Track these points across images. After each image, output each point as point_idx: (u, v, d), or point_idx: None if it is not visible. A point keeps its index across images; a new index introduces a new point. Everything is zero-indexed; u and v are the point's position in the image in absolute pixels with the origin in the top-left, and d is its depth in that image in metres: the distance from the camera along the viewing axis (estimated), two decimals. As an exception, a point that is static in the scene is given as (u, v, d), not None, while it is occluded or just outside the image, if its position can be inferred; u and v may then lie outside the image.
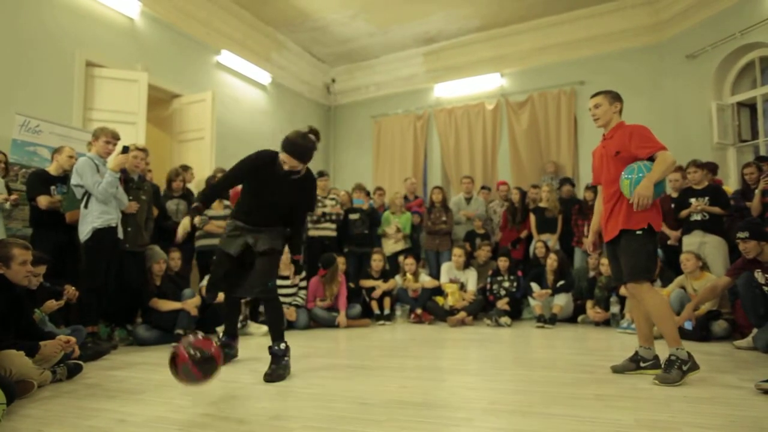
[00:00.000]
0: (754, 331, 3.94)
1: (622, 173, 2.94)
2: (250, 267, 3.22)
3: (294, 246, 3.51)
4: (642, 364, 3.05)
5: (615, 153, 3.01)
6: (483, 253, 6.57)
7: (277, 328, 3.27)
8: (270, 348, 3.16)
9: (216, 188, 3.33)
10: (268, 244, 3.19)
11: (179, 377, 2.34)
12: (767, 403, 2.34)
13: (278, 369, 3.02)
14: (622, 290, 5.21)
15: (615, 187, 2.99)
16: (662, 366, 2.85)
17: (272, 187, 3.10)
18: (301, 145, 2.95)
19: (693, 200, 5.12)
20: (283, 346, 3.17)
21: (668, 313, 2.91)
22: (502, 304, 5.85)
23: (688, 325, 4.18)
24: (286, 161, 2.95)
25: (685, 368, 2.75)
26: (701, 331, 4.34)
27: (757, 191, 4.82)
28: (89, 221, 3.96)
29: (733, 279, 4.02)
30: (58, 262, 4.13)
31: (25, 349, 2.72)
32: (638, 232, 2.89)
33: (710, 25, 6.74)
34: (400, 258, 6.41)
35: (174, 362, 2.32)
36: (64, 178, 4.43)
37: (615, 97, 3.18)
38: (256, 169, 3.10)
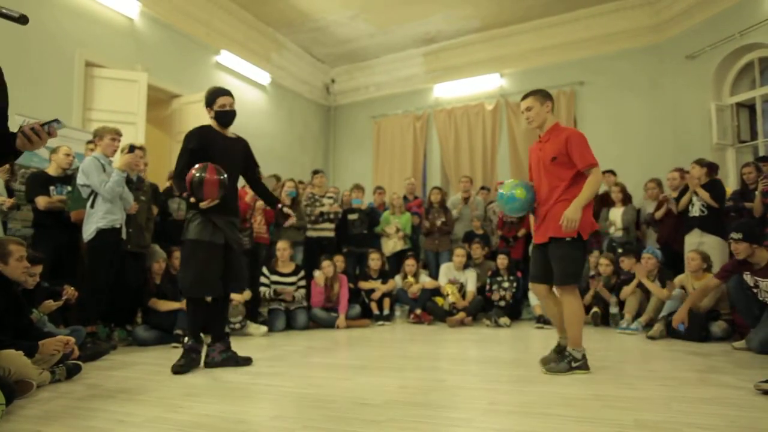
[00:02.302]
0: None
1: (500, 189, 3.25)
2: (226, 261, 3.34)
3: (269, 199, 3.77)
4: (573, 365, 3.06)
5: (551, 159, 3.07)
6: (478, 252, 6.55)
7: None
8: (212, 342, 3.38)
9: (182, 174, 3.24)
10: (240, 240, 3.43)
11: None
12: (766, 404, 2.34)
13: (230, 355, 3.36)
14: (623, 294, 5.25)
15: (549, 192, 3.09)
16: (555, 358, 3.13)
17: (222, 150, 3.35)
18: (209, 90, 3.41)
19: (694, 197, 5.12)
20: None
21: (579, 319, 3.10)
22: (502, 296, 5.83)
23: (681, 327, 4.18)
24: (224, 103, 3.36)
25: (574, 365, 3.00)
26: (700, 332, 4.35)
27: (757, 193, 4.82)
28: (94, 221, 3.96)
29: (722, 281, 4.05)
30: (57, 263, 4.14)
31: (24, 349, 2.71)
32: (567, 240, 3.00)
33: (710, 25, 6.74)
34: (407, 262, 6.37)
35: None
36: (63, 178, 4.43)
37: (545, 96, 3.18)
38: (205, 138, 3.32)
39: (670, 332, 4.56)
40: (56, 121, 2.12)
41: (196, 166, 3.15)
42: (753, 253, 3.79)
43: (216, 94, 3.36)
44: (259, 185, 3.75)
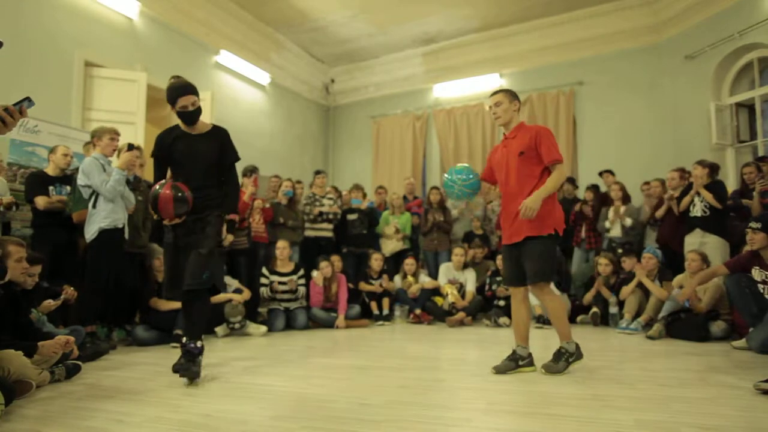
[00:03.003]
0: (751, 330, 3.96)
1: (446, 175, 3.24)
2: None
3: (227, 204, 3.23)
4: (520, 362, 3.14)
5: (519, 153, 3.10)
6: (476, 251, 6.55)
7: (201, 326, 3.13)
8: (185, 344, 2.99)
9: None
10: (213, 232, 3.11)
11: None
12: (765, 403, 2.35)
13: (193, 366, 2.90)
14: (622, 294, 5.25)
15: (518, 189, 3.09)
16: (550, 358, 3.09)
17: (185, 150, 3.15)
18: (169, 86, 3.12)
19: (696, 197, 5.12)
20: (199, 344, 3.00)
21: (564, 313, 3.18)
22: (502, 291, 5.82)
23: (687, 304, 4.40)
24: (185, 104, 3.07)
25: (570, 360, 3.04)
26: (700, 332, 4.35)
27: (755, 193, 4.83)
28: (96, 221, 3.96)
29: (731, 271, 4.06)
30: (56, 263, 4.13)
31: (24, 349, 2.71)
32: (545, 236, 3.03)
33: (709, 25, 6.74)
34: (406, 261, 6.37)
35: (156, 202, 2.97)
36: (62, 178, 4.42)
37: (514, 96, 3.23)
38: (163, 142, 3.19)
39: (670, 332, 4.57)
40: (27, 99, 2.12)
41: (161, 181, 3.11)
42: (765, 247, 3.81)
43: (175, 93, 3.06)
44: (228, 183, 3.30)
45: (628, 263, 5.39)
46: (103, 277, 3.95)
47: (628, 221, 5.90)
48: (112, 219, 3.99)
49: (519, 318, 3.24)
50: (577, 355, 3.08)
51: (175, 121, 3.25)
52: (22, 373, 2.60)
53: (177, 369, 3.01)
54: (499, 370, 3.09)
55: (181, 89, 3.06)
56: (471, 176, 3.20)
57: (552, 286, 3.16)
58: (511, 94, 3.21)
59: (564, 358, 3.03)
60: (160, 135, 3.23)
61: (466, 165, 3.27)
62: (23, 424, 2.16)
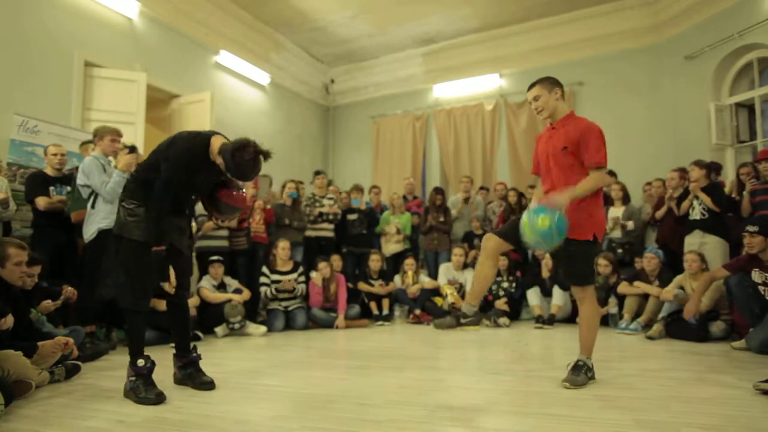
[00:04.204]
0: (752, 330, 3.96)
1: (534, 207, 2.69)
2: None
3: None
4: (462, 320, 2.83)
5: (562, 147, 2.81)
6: (477, 252, 6.56)
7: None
8: (193, 354, 2.88)
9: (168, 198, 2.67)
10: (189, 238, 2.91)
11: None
12: (765, 404, 2.35)
13: (204, 375, 2.81)
14: (621, 288, 5.25)
15: (563, 184, 2.79)
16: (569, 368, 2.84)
17: (204, 174, 2.73)
18: (241, 164, 2.56)
19: (694, 200, 5.12)
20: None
21: (597, 324, 2.95)
22: (501, 304, 5.85)
23: (693, 321, 4.26)
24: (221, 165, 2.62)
25: (589, 374, 2.82)
26: (700, 332, 4.35)
27: (745, 192, 4.85)
28: (95, 222, 3.95)
29: (731, 273, 4.06)
30: (56, 263, 4.13)
31: (24, 349, 2.71)
32: (583, 240, 2.78)
33: (709, 26, 6.75)
34: (406, 261, 6.37)
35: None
36: (62, 178, 4.42)
37: (554, 83, 2.89)
38: (197, 160, 2.65)
39: (669, 332, 4.57)
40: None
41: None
42: (766, 249, 3.81)
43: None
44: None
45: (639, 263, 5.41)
46: (102, 278, 3.94)
47: (630, 224, 5.89)
48: (111, 219, 3.96)
49: (481, 273, 2.86)
50: (593, 373, 2.86)
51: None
52: (22, 374, 2.60)
53: (199, 383, 2.78)
54: (438, 325, 2.88)
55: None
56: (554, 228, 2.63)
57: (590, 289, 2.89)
58: (549, 83, 2.88)
59: (584, 371, 2.81)
60: (198, 150, 2.66)
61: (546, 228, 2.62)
62: (23, 424, 2.16)
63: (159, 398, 2.44)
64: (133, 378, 2.53)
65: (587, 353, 2.86)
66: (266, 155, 2.58)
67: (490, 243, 2.87)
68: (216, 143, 2.62)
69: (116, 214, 2.68)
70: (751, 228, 3.90)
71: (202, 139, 2.66)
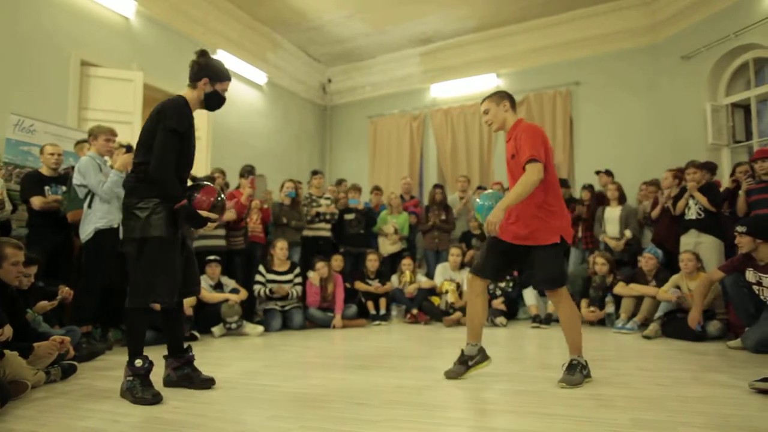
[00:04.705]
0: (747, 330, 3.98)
1: (478, 199, 3.05)
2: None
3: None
4: (470, 363, 2.98)
5: (511, 156, 2.90)
6: (474, 252, 6.57)
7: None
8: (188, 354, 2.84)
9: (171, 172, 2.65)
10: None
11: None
12: (761, 403, 2.36)
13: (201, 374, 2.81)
14: (617, 289, 5.26)
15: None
16: (564, 368, 2.82)
17: (193, 137, 2.78)
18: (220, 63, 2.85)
19: (690, 200, 5.14)
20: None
21: (579, 323, 2.92)
22: (498, 303, 5.85)
23: (698, 328, 4.25)
24: (227, 87, 2.85)
25: (585, 372, 2.80)
26: (696, 331, 4.36)
27: (741, 192, 4.86)
28: (92, 221, 3.94)
29: (726, 274, 4.08)
30: (52, 263, 4.12)
31: (19, 349, 2.70)
32: (549, 245, 2.81)
33: (705, 26, 6.76)
34: (403, 261, 6.38)
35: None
36: (58, 178, 4.40)
37: (502, 96, 3.02)
38: (190, 116, 2.75)
39: (665, 332, 4.59)
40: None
41: (203, 185, 2.83)
42: (756, 248, 3.85)
43: (227, 74, 2.87)
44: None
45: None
46: (99, 278, 3.94)
47: (628, 233, 5.89)
48: (108, 219, 3.98)
49: (473, 312, 3.02)
50: (588, 371, 2.84)
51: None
52: (18, 374, 2.59)
53: (200, 382, 2.77)
54: (450, 375, 2.96)
55: (228, 73, 2.87)
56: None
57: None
58: (498, 96, 3.02)
59: (579, 370, 2.78)
60: (184, 104, 2.72)
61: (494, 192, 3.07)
62: (19, 424, 2.15)
63: (156, 398, 2.44)
64: (131, 378, 2.52)
65: (577, 352, 2.86)
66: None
67: (476, 283, 3.02)
68: (189, 93, 2.78)
69: (131, 219, 2.61)
70: (740, 228, 3.95)
71: (178, 96, 2.76)
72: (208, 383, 2.76)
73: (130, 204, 2.63)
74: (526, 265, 3.07)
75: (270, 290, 5.43)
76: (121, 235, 4.10)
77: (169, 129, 2.59)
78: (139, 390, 2.47)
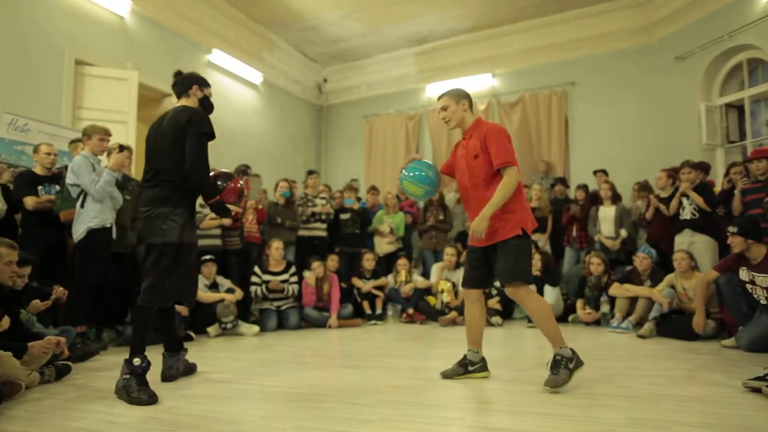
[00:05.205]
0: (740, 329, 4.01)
1: (404, 171, 3.03)
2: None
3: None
4: (470, 368, 2.98)
5: (474, 156, 2.85)
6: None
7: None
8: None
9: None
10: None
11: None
12: (754, 402, 2.37)
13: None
14: (612, 290, 5.28)
15: (481, 192, 2.84)
16: (549, 367, 2.74)
17: None
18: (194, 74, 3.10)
19: (684, 200, 5.17)
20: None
21: (549, 314, 2.82)
22: (494, 303, 5.86)
23: (704, 333, 4.29)
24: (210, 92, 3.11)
25: (571, 366, 2.70)
26: (690, 331, 4.38)
27: (736, 191, 4.89)
28: (85, 221, 3.92)
29: (721, 274, 4.12)
30: (45, 262, 4.10)
31: (13, 349, 2.69)
32: (512, 238, 2.77)
33: (699, 27, 6.80)
34: (399, 261, 6.37)
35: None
36: (51, 177, 4.38)
37: (461, 95, 3.00)
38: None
39: (660, 331, 4.61)
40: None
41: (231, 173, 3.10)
42: (748, 248, 3.89)
43: (203, 80, 3.09)
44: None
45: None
46: (92, 277, 3.92)
47: (623, 232, 5.92)
48: (101, 219, 3.95)
49: (471, 320, 3.02)
50: (577, 361, 2.74)
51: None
52: (12, 374, 2.58)
53: (186, 369, 3.12)
54: (446, 375, 2.97)
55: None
56: (424, 172, 2.99)
57: (532, 287, 2.89)
58: (456, 95, 2.99)
59: (563, 365, 2.68)
60: (203, 112, 2.97)
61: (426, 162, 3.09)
62: (12, 425, 2.14)
63: (151, 399, 2.44)
64: (127, 376, 2.54)
65: (558, 344, 2.77)
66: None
67: (469, 292, 3.03)
68: (189, 103, 2.99)
69: (166, 224, 2.75)
70: (731, 229, 3.98)
71: (189, 107, 2.95)
72: (192, 369, 3.14)
73: (167, 212, 2.77)
74: None
75: (267, 287, 5.42)
76: (114, 235, 4.11)
77: (202, 133, 2.81)
78: (134, 389, 2.48)
